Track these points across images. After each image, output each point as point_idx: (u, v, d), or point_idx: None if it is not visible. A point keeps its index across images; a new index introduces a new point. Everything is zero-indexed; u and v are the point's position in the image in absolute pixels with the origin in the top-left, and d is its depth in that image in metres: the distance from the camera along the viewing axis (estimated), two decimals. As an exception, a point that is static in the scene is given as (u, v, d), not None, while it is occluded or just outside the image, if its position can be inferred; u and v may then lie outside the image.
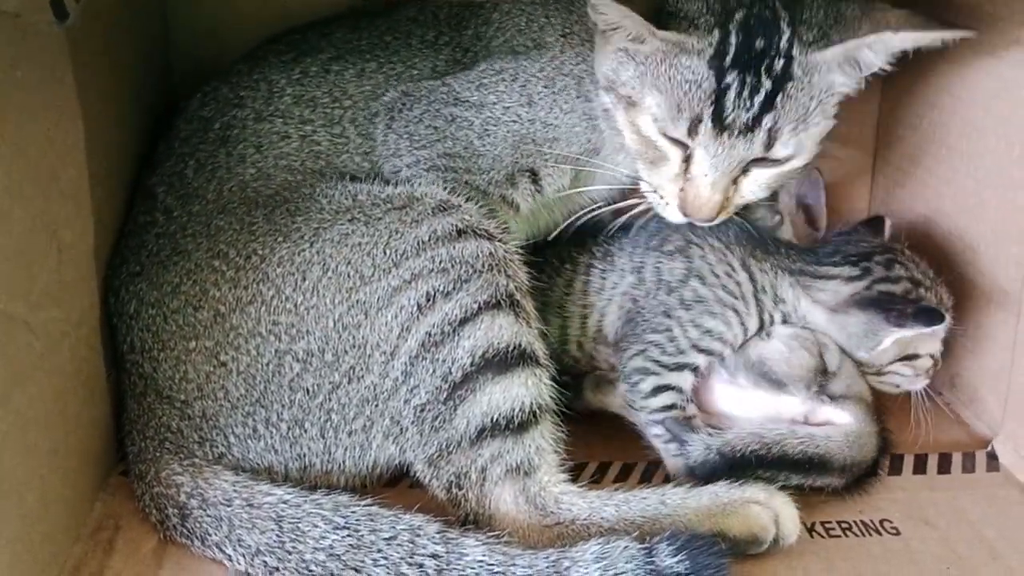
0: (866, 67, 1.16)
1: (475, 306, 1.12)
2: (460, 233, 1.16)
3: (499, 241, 1.17)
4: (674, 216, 1.23)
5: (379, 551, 1.02)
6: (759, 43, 1.13)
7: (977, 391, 1.35)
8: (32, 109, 0.99)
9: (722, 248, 1.28)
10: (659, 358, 1.23)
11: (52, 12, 1.02)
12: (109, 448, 1.21)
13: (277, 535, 1.05)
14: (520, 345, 1.13)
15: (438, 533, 1.03)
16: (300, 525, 1.05)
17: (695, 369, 1.24)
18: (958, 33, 1.13)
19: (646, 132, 1.19)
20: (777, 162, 1.18)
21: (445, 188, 1.22)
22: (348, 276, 1.14)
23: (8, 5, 0.94)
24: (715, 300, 1.24)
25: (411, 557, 1.01)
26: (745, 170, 1.19)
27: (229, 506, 1.08)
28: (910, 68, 1.26)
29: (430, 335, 1.11)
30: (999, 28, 1.25)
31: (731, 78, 1.12)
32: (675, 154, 1.19)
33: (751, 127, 1.14)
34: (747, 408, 1.24)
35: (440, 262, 1.14)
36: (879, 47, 1.14)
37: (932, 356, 1.27)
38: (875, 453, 1.19)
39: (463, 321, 1.12)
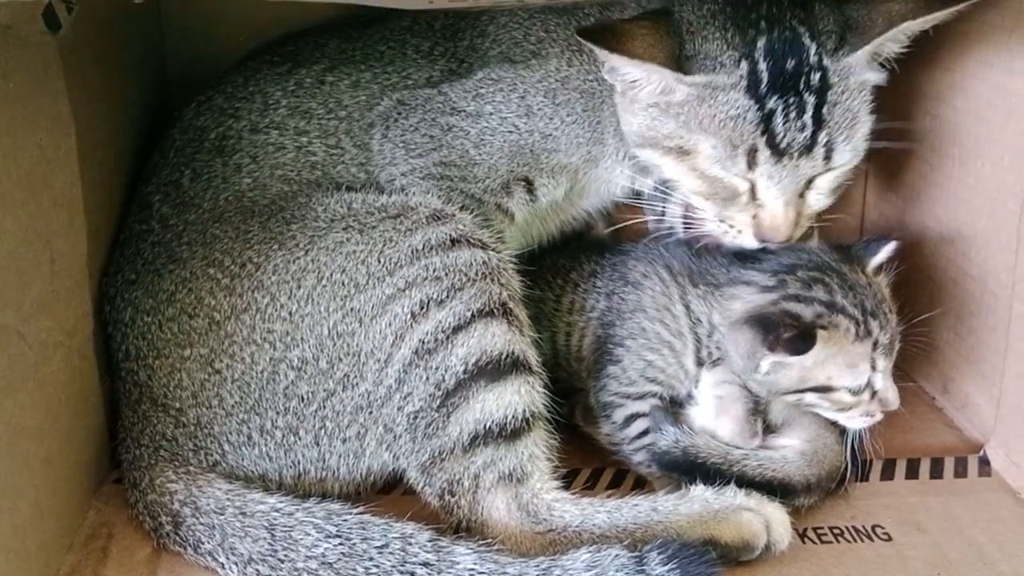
0: (888, 57, 1.19)
1: (468, 314, 1.13)
2: (454, 242, 1.16)
3: (493, 250, 1.18)
4: (750, 242, 1.23)
5: (371, 559, 1.02)
6: (790, 64, 1.14)
7: (969, 396, 1.35)
8: (24, 119, 1.00)
9: (669, 280, 1.27)
10: (619, 389, 1.25)
11: (44, 23, 1.02)
12: (103, 456, 1.22)
13: (269, 543, 1.05)
14: (513, 353, 1.13)
15: (429, 541, 1.03)
16: (292, 533, 1.05)
17: (657, 395, 1.24)
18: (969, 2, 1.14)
19: (712, 174, 1.19)
20: (836, 168, 1.20)
21: (440, 197, 1.23)
22: (343, 284, 1.14)
23: None
24: (654, 334, 1.24)
25: (402, 565, 1.01)
26: (809, 183, 1.20)
27: (222, 514, 1.08)
28: (904, 76, 1.27)
29: (424, 343, 1.12)
30: (989, 35, 1.25)
31: (773, 102, 1.14)
32: (743, 186, 1.19)
33: (809, 146, 1.15)
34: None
35: (434, 270, 1.14)
36: (901, 37, 1.16)
37: (852, 391, 1.16)
38: (842, 458, 1.19)
39: (456, 329, 1.12)
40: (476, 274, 1.15)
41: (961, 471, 1.26)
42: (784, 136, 1.14)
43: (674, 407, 1.23)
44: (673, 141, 1.19)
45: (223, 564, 1.06)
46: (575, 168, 1.31)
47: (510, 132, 1.28)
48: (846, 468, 1.19)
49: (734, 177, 1.19)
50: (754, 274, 1.22)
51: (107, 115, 1.25)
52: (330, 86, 1.31)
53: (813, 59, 1.14)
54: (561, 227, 1.44)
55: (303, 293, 1.14)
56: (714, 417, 1.19)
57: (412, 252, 1.15)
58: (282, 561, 1.04)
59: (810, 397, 1.17)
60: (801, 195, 1.20)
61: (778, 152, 1.15)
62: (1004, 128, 1.23)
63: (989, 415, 1.29)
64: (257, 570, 1.05)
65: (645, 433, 1.22)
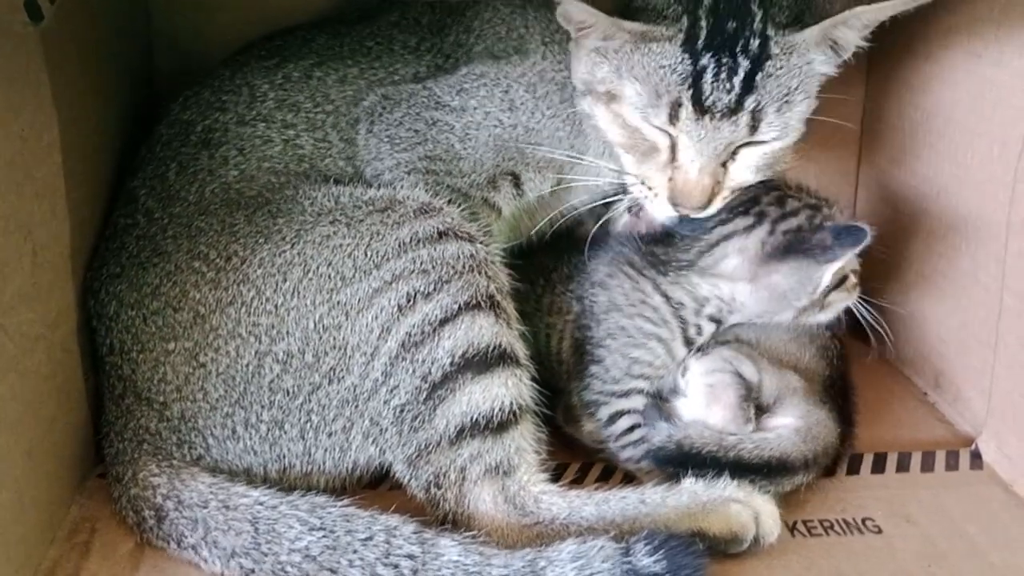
0: (844, 46, 1.16)
1: (455, 306, 1.12)
2: (441, 235, 1.15)
3: (480, 243, 1.17)
4: (663, 209, 1.21)
5: (355, 552, 1.01)
6: (731, 24, 1.12)
7: (960, 390, 1.34)
8: (5, 108, 0.99)
9: (635, 275, 1.27)
10: (603, 388, 1.24)
11: (26, 13, 1.02)
12: (86, 451, 1.20)
13: (253, 537, 1.04)
14: (500, 345, 1.12)
15: (414, 533, 1.02)
16: (276, 527, 1.04)
17: (642, 391, 1.23)
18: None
19: (631, 121, 1.18)
20: (764, 143, 1.18)
21: (427, 191, 1.22)
22: (329, 277, 1.14)
23: (-20, 5, 0.94)
24: (636, 330, 1.24)
25: (387, 557, 1.00)
26: (733, 154, 1.18)
27: (205, 508, 1.07)
28: (893, 69, 1.27)
29: (410, 335, 1.11)
30: (977, 27, 1.25)
31: (706, 60, 1.12)
32: (663, 141, 1.18)
33: (734, 109, 1.13)
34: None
35: (421, 263, 1.13)
36: (854, 22, 1.12)
37: (855, 271, 1.24)
38: (837, 432, 1.18)
39: (443, 321, 1.11)
40: (463, 267, 1.14)
41: (952, 464, 1.25)
42: (710, 95, 1.12)
43: (659, 400, 1.23)
44: (605, 86, 1.19)
45: (206, 558, 1.05)
46: (560, 162, 1.30)
47: (495, 126, 1.28)
48: (843, 434, 1.20)
49: (654, 130, 1.17)
50: (724, 228, 1.22)
51: (92, 110, 1.24)
52: (318, 80, 1.31)
53: (757, 25, 1.13)
54: (551, 223, 1.44)
55: (289, 286, 1.14)
56: (705, 407, 1.18)
57: (399, 245, 1.14)
58: (265, 555, 1.03)
59: (835, 295, 1.22)
60: (724, 165, 1.19)
61: (701, 110, 1.13)
62: (992, 120, 1.23)
63: (980, 408, 1.29)
64: (240, 564, 1.04)
65: (631, 429, 1.21)
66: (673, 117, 1.15)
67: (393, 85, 1.31)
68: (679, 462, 1.13)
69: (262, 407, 1.14)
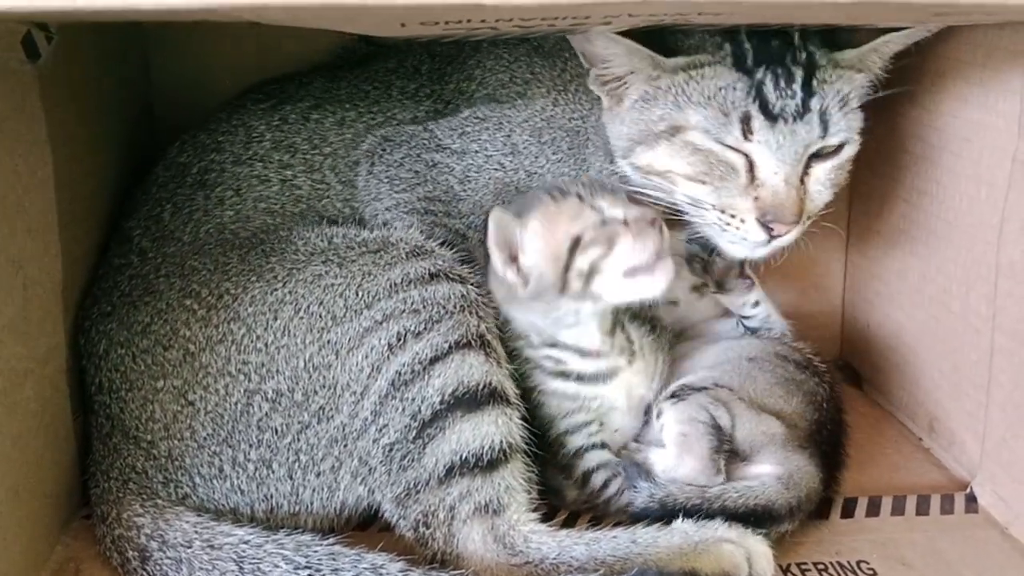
0: (870, 72, 1.22)
1: (446, 345, 1.12)
2: (432, 276, 1.16)
3: (472, 285, 1.18)
4: (755, 234, 1.19)
5: (341, 590, 1.00)
6: (774, 42, 1.17)
7: (955, 434, 1.33)
8: (0, 143, 1.00)
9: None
10: (570, 447, 1.22)
11: (23, 51, 1.03)
12: (73, 491, 1.19)
13: (238, 576, 1.03)
14: (491, 384, 1.12)
15: (400, 572, 1.01)
16: (261, 566, 1.03)
17: (594, 446, 1.22)
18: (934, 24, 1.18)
19: (703, 145, 1.18)
20: (833, 153, 1.20)
21: (423, 232, 1.23)
22: (320, 316, 1.14)
23: (-22, 41, 0.96)
24: (543, 394, 1.23)
25: (373, 596, 0.99)
26: (807, 169, 1.19)
27: (189, 547, 1.06)
28: (881, 114, 1.29)
29: (400, 374, 1.11)
30: (963, 72, 1.27)
31: (761, 74, 1.16)
32: (739, 162, 1.18)
33: (803, 111, 1.15)
34: None
35: (412, 303, 1.14)
36: (884, 49, 1.20)
37: (598, 223, 1.14)
38: (819, 478, 1.17)
39: (433, 360, 1.11)
40: (454, 307, 1.14)
41: (948, 508, 1.24)
42: (776, 102, 1.15)
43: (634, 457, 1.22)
44: (664, 123, 1.20)
45: (190, 599, 1.04)
46: None
47: (496, 170, 1.30)
48: (827, 479, 1.19)
49: (728, 151, 1.17)
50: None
51: (87, 152, 1.26)
52: (315, 123, 1.33)
53: (798, 42, 1.18)
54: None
55: (280, 324, 1.14)
56: (676, 456, 1.15)
57: (390, 286, 1.15)
58: (250, 594, 1.01)
59: (580, 259, 1.14)
60: (803, 180, 1.19)
61: (772, 117, 1.15)
62: (979, 163, 1.24)
63: (975, 452, 1.27)
64: (224, 604, 1.02)
65: (606, 485, 1.20)
66: (746, 131, 1.16)
67: (392, 127, 1.32)
68: (665, 518, 1.11)
69: (250, 446, 1.13)
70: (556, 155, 1.31)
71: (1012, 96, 1.17)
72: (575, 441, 1.22)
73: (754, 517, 1.10)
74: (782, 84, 1.15)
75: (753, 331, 1.36)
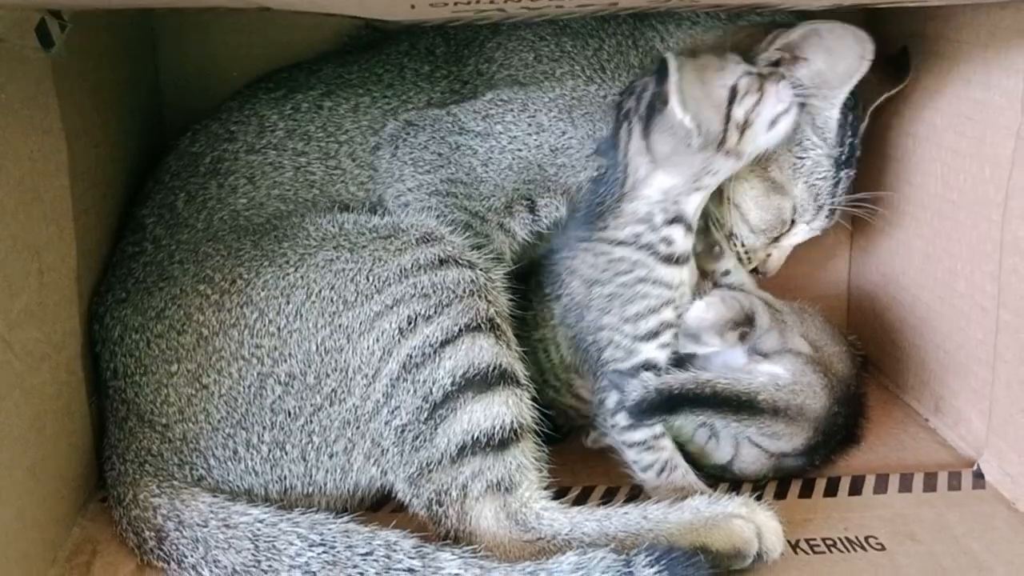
0: None
1: (456, 329, 1.13)
2: (442, 262, 1.17)
3: (481, 270, 1.19)
4: (747, 276, 1.38)
5: (355, 567, 1.01)
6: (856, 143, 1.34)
7: (961, 412, 1.34)
8: (15, 129, 1.02)
9: (589, 244, 1.26)
10: (617, 367, 1.22)
11: (37, 39, 1.05)
12: (89, 474, 1.21)
13: (253, 554, 1.04)
14: (501, 365, 1.13)
15: (414, 548, 1.02)
16: (276, 543, 1.04)
17: (655, 368, 1.21)
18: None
19: (785, 215, 1.35)
20: None
21: (437, 217, 1.25)
22: (331, 301, 1.15)
23: (-6, 29, 0.97)
24: (621, 287, 1.22)
25: (387, 572, 1.00)
26: None
27: (205, 527, 1.07)
28: (884, 103, 1.30)
29: (411, 357, 1.12)
30: (965, 52, 1.28)
31: (843, 174, 1.34)
32: (784, 229, 1.37)
33: (834, 212, 1.36)
34: None
35: (422, 288, 1.15)
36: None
37: (750, 73, 1.19)
38: (824, 404, 1.20)
39: (444, 343, 1.12)
40: (464, 291, 1.15)
41: (955, 484, 1.25)
42: (836, 201, 1.35)
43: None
44: (779, 174, 1.33)
45: (206, 578, 1.05)
46: (580, 186, 1.33)
47: (519, 149, 1.31)
48: (832, 408, 1.21)
49: (794, 223, 1.37)
50: (623, 146, 1.23)
51: (100, 140, 1.27)
52: (328, 111, 1.34)
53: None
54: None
55: (292, 309, 1.15)
56: (705, 307, 1.22)
57: (401, 271, 1.16)
58: (266, 572, 1.03)
59: (738, 110, 1.18)
60: None
61: (830, 215, 1.36)
62: (983, 141, 1.25)
63: (981, 429, 1.28)
64: (240, 582, 1.03)
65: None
66: (814, 219, 1.38)
67: (415, 111, 1.33)
68: (661, 408, 1.15)
69: (263, 428, 1.14)
70: (582, 131, 1.31)
71: (1015, 74, 1.18)
72: (644, 354, 1.21)
73: (736, 403, 1.16)
74: (843, 187, 1.36)
75: None
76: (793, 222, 1.36)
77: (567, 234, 1.30)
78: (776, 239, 1.38)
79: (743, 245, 1.38)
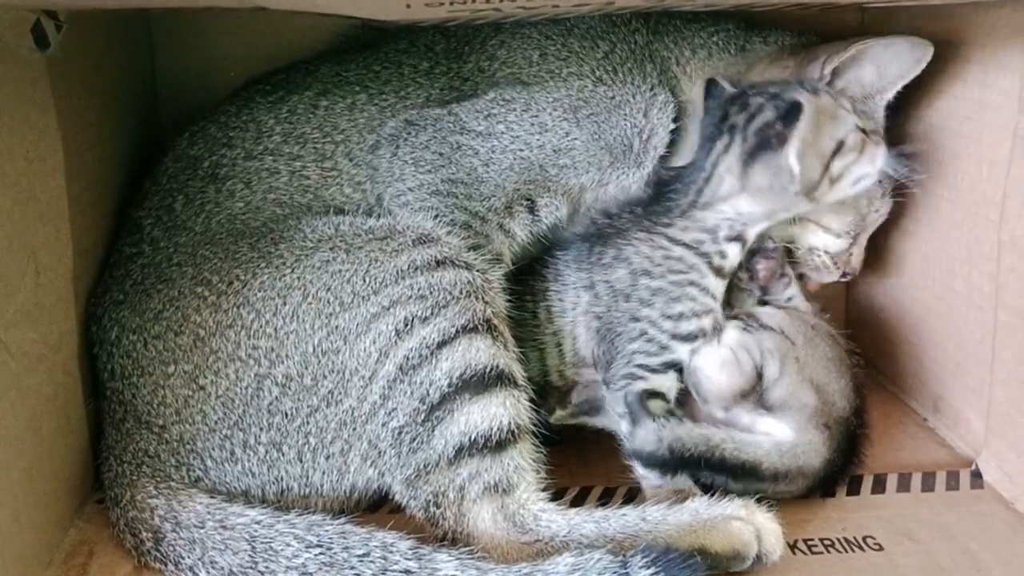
0: None
1: (453, 330, 1.13)
2: (439, 263, 1.17)
3: (478, 271, 1.19)
4: (802, 300, 1.36)
5: (351, 568, 1.01)
6: None
7: (960, 412, 1.34)
8: (11, 129, 1.01)
9: (647, 235, 1.27)
10: (644, 362, 1.22)
11: (33, 39, 1.04)
12: (86, 476, 1.20)
13: (250, 555, 1.04)
14: (498, 366, 1.13)
15: (411, 549, 1.02)
16: (273, 544, 1.04)
17: (679, 368, 1.22)
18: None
19: (863, 209, 1.38)
20: None
21: (437, 217, 1.25)
22: (328, 302, 1.15)
23: (-10, 29, 0.97)
24: (671, 284, 1.23)
25: (383, 573, 1.00)
26: None
27: (202, 528, 1.07)
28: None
29: (408, 358, 1.12)
30: (963, 52, 1.28)
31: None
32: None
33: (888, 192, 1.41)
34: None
35: (418, 289, 1.15)
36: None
37: (861, 128, 1.21)
38: (824, 459, 1.18)
39: (441, 344, 1.12)
40: (460, 292, 1.15)
41: (953, 484, 1.25)
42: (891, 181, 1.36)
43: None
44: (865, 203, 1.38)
45: (203, 578, 1.05)
46: (581, 187, 1.33)
47: (521, 149, 1.31)
48: (833, 462, 1.19)
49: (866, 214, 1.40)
50: (711, 158, 1.25)
51: (96, 141, 1.27)
52: (324, 110, 1.33)
53: None
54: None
55: (289, 310, 1.15)
56: (718, 367, 1.20)
57: (397, 272, 1.16)
58: (262, 573, 1.02)
59: (838, 163, 1.19)
60: None
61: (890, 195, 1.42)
62: (980, 141, 1.25)
63: (979, 429, 1.28)
64: (237, 583, 1.03)
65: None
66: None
67: (415, 110, 1.33)
68: (670, 465, 1.14)
69: (260, 429, 1.14)
70: (588, 130, 1.31)
71: (1012, 74, 1.18)
72: (674, 353, 1.22)
73: (741, 471, 1.15)
74: None
75: None
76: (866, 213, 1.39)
77: (598, 225, 1.32)
78: (855, 236, 1.40)
79: (826, 252, 1.39)
